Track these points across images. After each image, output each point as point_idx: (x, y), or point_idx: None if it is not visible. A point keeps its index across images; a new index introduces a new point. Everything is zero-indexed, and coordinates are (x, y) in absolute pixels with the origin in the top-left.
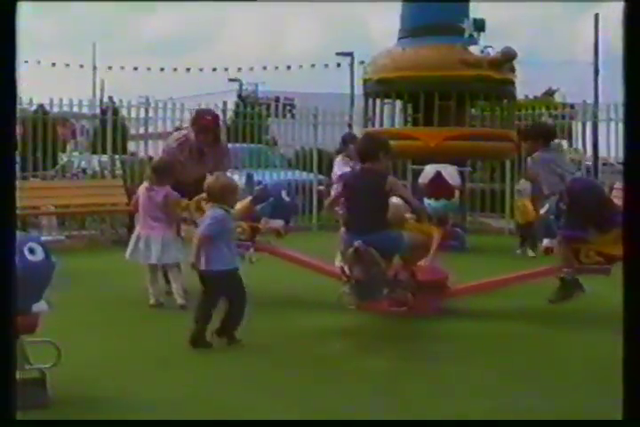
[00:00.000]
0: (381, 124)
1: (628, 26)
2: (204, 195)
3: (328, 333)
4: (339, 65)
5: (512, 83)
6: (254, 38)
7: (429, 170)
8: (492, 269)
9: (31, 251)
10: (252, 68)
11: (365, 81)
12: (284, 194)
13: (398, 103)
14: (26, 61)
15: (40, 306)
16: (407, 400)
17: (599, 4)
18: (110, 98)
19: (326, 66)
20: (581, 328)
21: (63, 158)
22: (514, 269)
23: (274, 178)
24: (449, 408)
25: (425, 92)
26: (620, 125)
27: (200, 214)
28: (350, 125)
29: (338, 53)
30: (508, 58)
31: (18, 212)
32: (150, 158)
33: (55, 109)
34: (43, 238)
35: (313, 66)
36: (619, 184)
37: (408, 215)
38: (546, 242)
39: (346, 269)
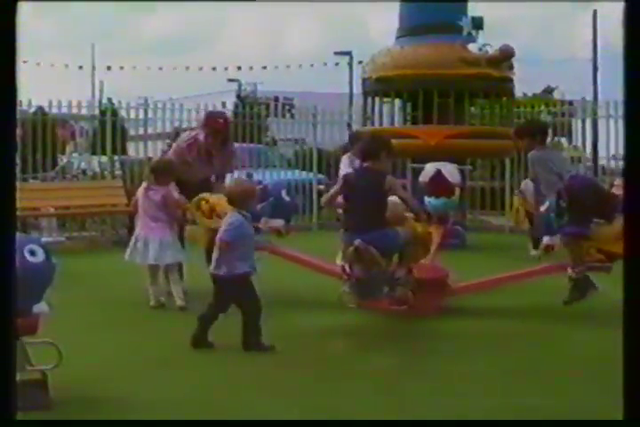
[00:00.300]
0: (381, 123)
1: (629, 26)
2: (204, 195)
3: (329, 332)
4: (337, 64)
5: (511, 80)
6: (253, 38)
7: (429, 168)
8: (492, 267)
9: (32, 252)
10: (251, 68)
11: (364, 80)
12: (283, 193)
13: (397, 102)
14: (24, 61)
15: (41, 307)
16: (408, 399)
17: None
18: (109, 99)
19: (325, 65)
20: (582, 326)
21: (63, 160)
22: (514, 267)
23: (274, 178)
24: (449, 407)
25: (424, 90)
26: (620, 122)
27: (200, 214)
28: (350, 125)
29: (336, 53)
30: (506, 56)
31: (18, 213)
32: (149, 159)
33: (54, 111)
34: (43, 240)
35: (312, 65)
36: (618, 181)
37: (408, 214)
38: (546, 240)
39: (346, 267)
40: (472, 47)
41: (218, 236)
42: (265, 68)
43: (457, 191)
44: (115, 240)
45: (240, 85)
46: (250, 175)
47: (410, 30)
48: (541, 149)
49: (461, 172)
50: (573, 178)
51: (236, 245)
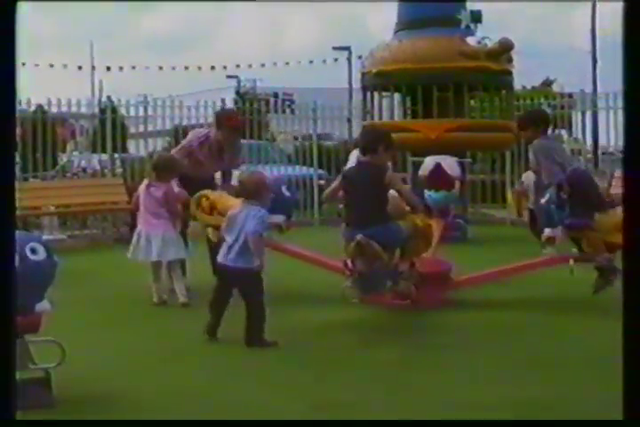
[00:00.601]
0: (380, 117)
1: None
2: (205, 191)
3: (332, 326)
4: (336, 60)
5: (510, 73)
6: (252, 35)
7: (429, 162)
8: (494, 259)
9: (33, 250)
10: (250, 65)
11: (363, 74)
12: (284, 189)
13: (397, 96)
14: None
15: (43, 305)
16: (412, 391)
17: None
18: (109, 97)
19: (324, 61)
20: (584, 317)
21: (63, 159)
22: (516, 259)
23: (274, 173)
24: (453, 399)
25: (423, 83)
26: (620, 114)
27: (200, 211)
28: (349, 119)
29: (335, 48)
30: (505, 48)
31: (18, 212)
32: (150, 156)
33: (54, 109)
34: (44, 238)
35: (311, 62)
36: (619, 172)
37: (409, 208)
38: (547, 231)
39: (348, 262)
40: (471, 40)
41: (251, 229)
42: (263, 65)
43: (457, 185)
44: (116, 238)
45: (239, 82)
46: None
47: (408, 24)
48: (545, 139)
49: (461, 165)
50: (575, 170)
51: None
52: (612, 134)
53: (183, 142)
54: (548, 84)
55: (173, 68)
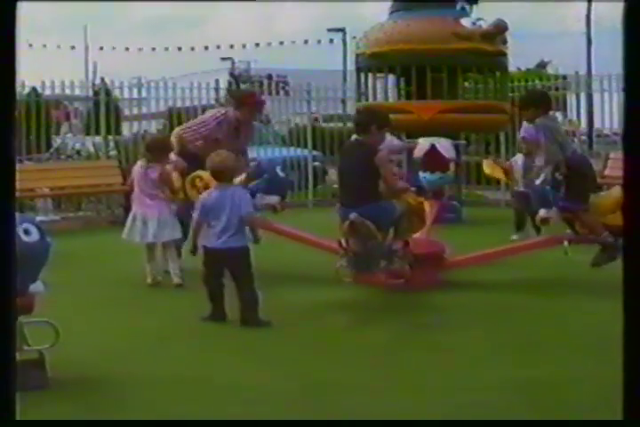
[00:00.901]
0: (375, 99)
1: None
2: (199, 172)
3: (326, 306)
4: (331, 41)
5: (504, 55)
6: (246, 17)
7: (424, 143)
8: (488, 240)
9: (26, 232)
10: (244, 46)
11: (358, 55)
12: (278, 170)
13: (391, 77)
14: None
15: (36, 287)
16: (407, 372)
17: None
18: (102, 79)
19: (319, 42)
20: (579, 298)
21: (57, 141)
22: (510, 240)
23: (268, 154)
24: (448, 380)
25: (417, 65)
26: (615, 96)
27: (195, 192)
28: (344, 101)
29: (330, 29)
30: (499, 30)
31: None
32: (143, 137)
33: (48, 92)
34: (37, 219)
35: (306, 42)
36: (614, 155)
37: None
38: (542, 212)
39: (343, 242)
40: (465, 22)
41: (247, 210)
42: (258, 45)
43: (452, 166)
44: (111, 220)
45: (233, 63)
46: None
47: (403, 5)
48: (546, 118)
49: (456, 147)
50: (575, 152)
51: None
52: (607, 116)
53: (195, 121)
54: (542, 65)
55: (166, 49)
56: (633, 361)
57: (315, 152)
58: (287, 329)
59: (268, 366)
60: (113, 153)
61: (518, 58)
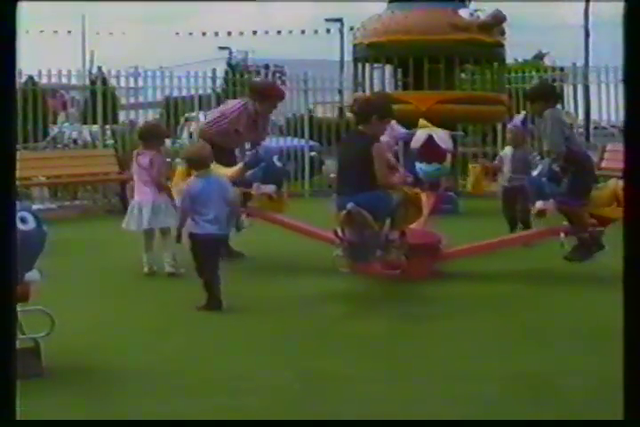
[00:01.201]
0: (372, 89)
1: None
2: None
3: (322, 296)
4: (328, 31)
5: (502, 46)
6: (244, 5)
7: (421, 134)
8: (484, 232)
9: (22, 220)
10: (241, 33)
11: (355, 46)
12: (275, 159)
13: (388, 67)
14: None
15: (32, 275)
16: (401, 362)
17: None
18: (99, 68)
19: (316, 32)
20: (574, 290)
21: (54, 130)
22: (506, 232)
23: (265, 144)
24: (443, 370)
25: (415, 55)
26: (612, 88)
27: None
28: (341, 91)
29: (327, 20)
30: (497, 21)
31: None
32: (131, 122)
33: (45, 81)
34: (34, 207)
35: (303, 32)
36: (610, 146)
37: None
38: (539, 204)
39: (339, 231)
40: (463, 13)
41: (233, 199)
42: (255, 33)
43: (449, 157)
44: (107, 209)
45: (231, 53)
46: None
47: None
48: (554, 110)
49: (453, 138)
50: (582, 148)
51: None
52: (604, 108)
53: (215, 114)
54: (539, 57)
55: (164, 35)
56: (633, 361)
57: (312, 142)
58: (281, 318)
59: (262, 355)
60: (109, 142)
61: (516, 49)
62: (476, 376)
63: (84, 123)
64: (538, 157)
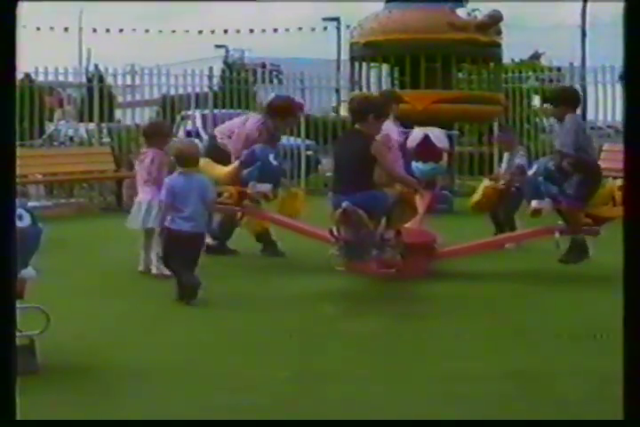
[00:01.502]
0: (368, 88)
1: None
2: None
3: (317, 295)
4: (325, 28)
5: (499, 46)
6: (243, 6)
7: (417, 133)
8: (479, 231)
9: (18, 217)
10: (238, 31)
11: (352, 45)
12: (271, 158)
13: (385, 67)
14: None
15: (28, 272)
16: (397, 361)
17: None
18: (96, 66)
19: (313, 30)
20: (569, 289)
21: (51, 127)
22: (500, 232)
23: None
24: (437, 369)
25: (412, 55)
26: (609, 88)
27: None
28: (337, 90)
29: (325, 18)
30: (494, 21)
31: None
32: (137, 126)
33: (41, 78)
34: (29, 205)
35: (300, 29)
36: (607, 146)
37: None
38: (534, 203)
39: (334, 230)
40: (460, 12)
41: (211, 198)
42: (252, 31)
43: (445, 156)
44: (103, 207)
45: (227, 51)
46: None
47: None
48: (575, 116)
49: (449, 137)
50: (594, 158)
51: None
52: (601, 109)
53: (240, 137)
54: (536, 57)
55: (160, 32)
56: (633, 361)
57: (308, 141)
58: (277, 317)
59: (255, 354)
60: (106, 140)
61: (512, 49)
62: (474, 376)
63: (81, 120)
64: (524, 156)
